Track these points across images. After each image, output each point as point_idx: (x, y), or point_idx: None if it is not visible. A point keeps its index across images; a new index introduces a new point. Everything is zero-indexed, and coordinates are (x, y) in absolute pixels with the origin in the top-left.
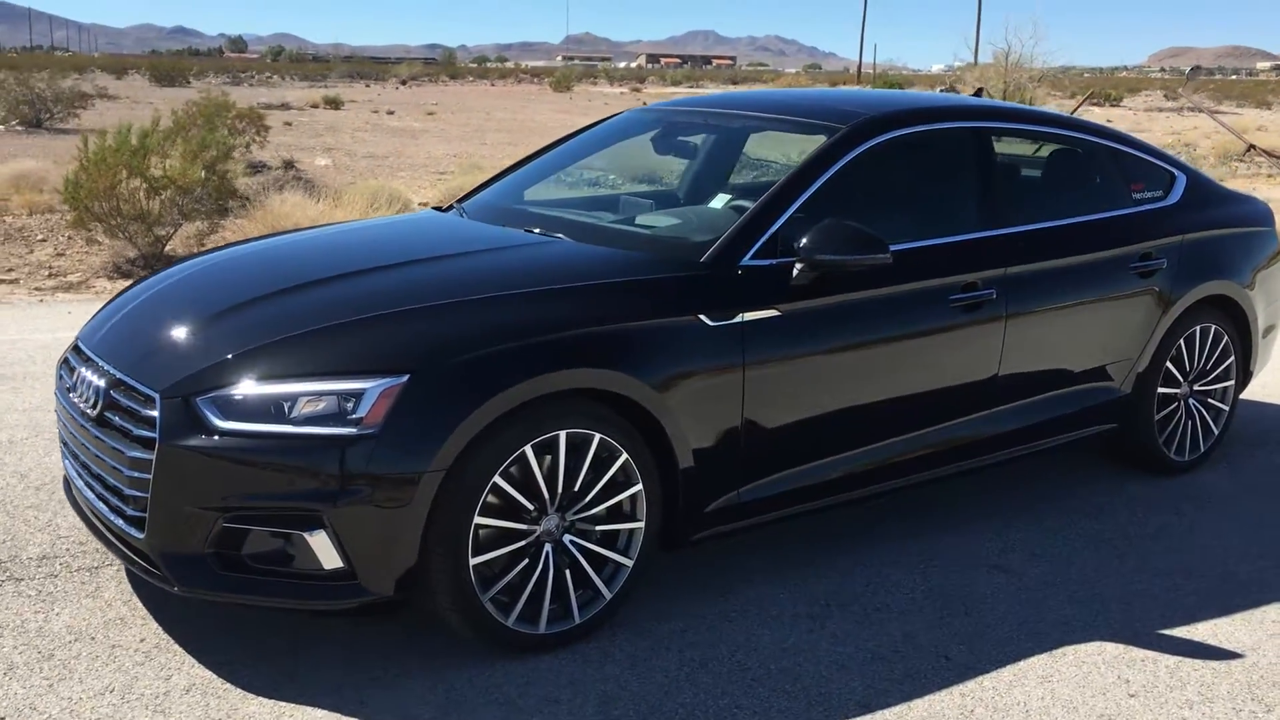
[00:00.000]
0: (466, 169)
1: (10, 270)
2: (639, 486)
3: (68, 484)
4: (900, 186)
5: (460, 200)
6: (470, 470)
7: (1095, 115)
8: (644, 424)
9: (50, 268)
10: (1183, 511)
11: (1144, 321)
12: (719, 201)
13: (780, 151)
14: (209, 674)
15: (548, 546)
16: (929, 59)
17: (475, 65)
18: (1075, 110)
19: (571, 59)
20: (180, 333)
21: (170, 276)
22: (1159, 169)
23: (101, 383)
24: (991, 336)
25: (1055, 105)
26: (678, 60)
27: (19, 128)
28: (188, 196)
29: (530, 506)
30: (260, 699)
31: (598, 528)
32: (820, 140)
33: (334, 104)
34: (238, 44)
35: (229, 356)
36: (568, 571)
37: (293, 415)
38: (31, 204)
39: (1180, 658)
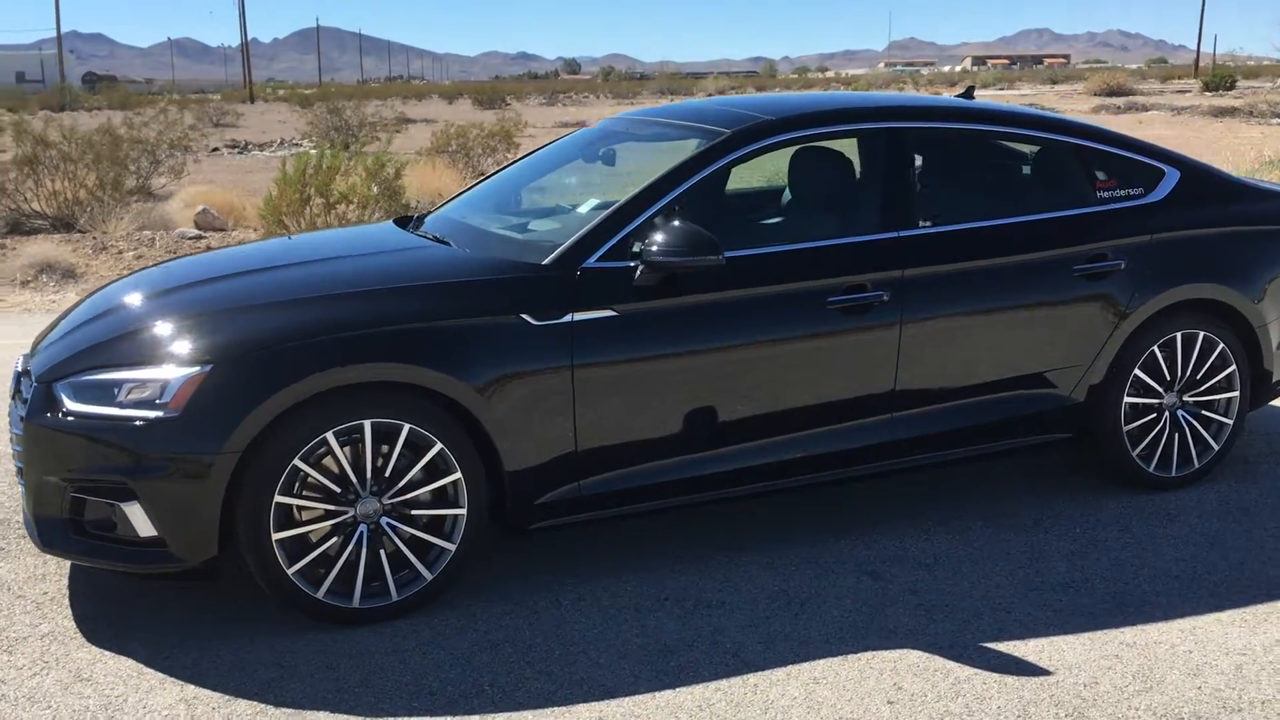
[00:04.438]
0: None
1: None
2: (457, 475)
3: None
4: (784, 190)
5: (431, 211)
6: (267, 453)
7: None
8: (464, 416)
9: None
10: (1129, 528)
11: (1093, 326)
12: (586, 206)
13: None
14: (70, 624)
15: (363, 527)
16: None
17: (795, 76)
18: None
19: (894, 65)
20: (69, 330)
21: (107, 285)
22: (1140, 165)
23: (18, 369)
24: (884, 340)
25: None
26: (1006, 61)
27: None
28: (364, 210)
29: (336, 489)
30: (91, 647)
31: (423, 512)
32: (695, 144)
33: None
34: (572, 66)
35: (83, 349)
36: (382, 552)
37: (119, 399)
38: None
39: (979, 670)
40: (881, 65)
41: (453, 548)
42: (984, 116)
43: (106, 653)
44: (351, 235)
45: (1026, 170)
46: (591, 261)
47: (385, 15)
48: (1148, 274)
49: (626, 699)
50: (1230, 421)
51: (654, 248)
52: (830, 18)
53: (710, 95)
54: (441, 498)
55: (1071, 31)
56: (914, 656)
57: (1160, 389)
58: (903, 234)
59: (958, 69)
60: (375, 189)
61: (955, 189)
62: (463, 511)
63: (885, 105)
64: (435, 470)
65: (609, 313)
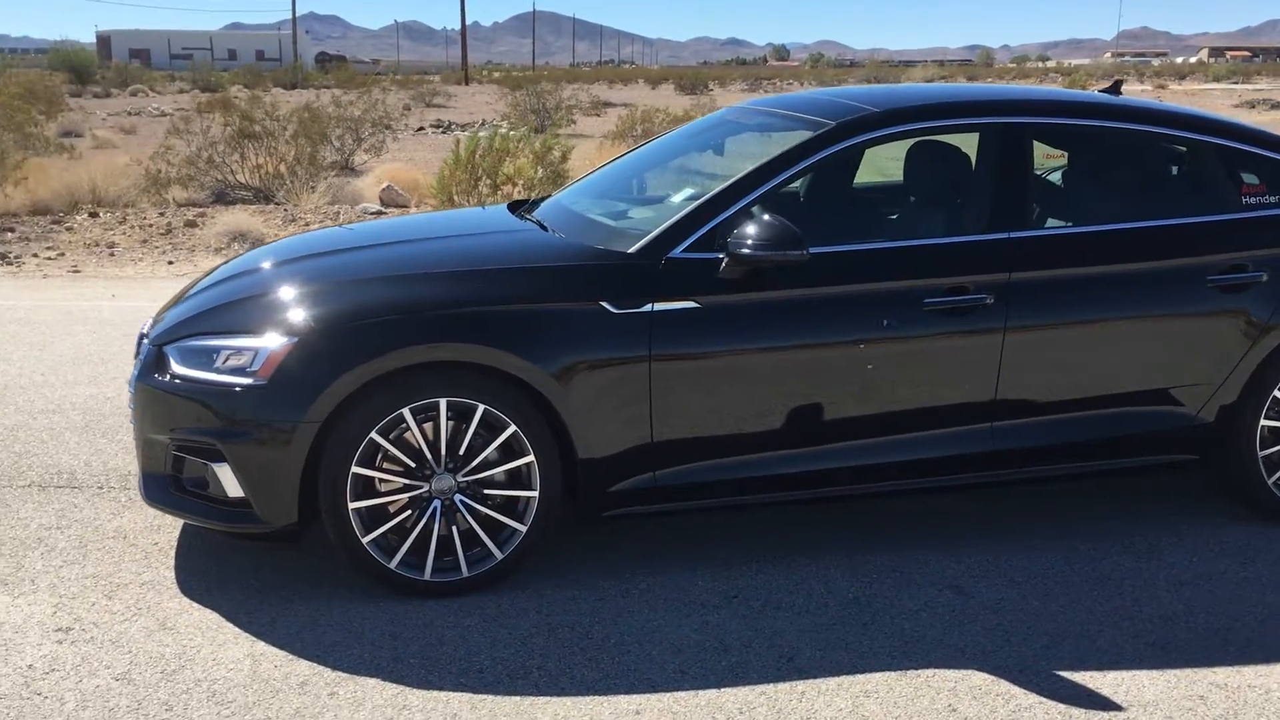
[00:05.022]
0: None
1: None
2: (530, 458)
3: None
4: (889, 184)
5: (549, 195)
6: (346, 425)
7: None
8: (540, 399)
9: None
10: (1252, 561)
11: (1226, 341)
12: (680, 195)
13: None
14: (170, 575)
15: (436, 502)
16: None
17: (1013, 65)
18: None
19: (1121, 55)
20: (189, 296)
21: (241, 254)
22: None
23: (143, 331)
24: (985, 346)
25: None
26: (1246, 54)
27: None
28: (529, 192)
29: (411, 464)
30: (182, 598)
31: (496, 492)
32: (802, 136)
33: None
34: (780, 52)
35: (193, 315)
36: (455, 528)
37: (217, 365)
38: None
39: (1044, 700)
40: (1108, 56)
41: (524, 529)
42: (1116, 113)
43: (195, 604)
44: (463, 216)
45: (1161, 172)
46: (678, 252)
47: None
48: None
49: (668, 695)
50: None
51: (737, 240)
52: (1056, 4)
53: (919, 83)
54: (515, 479)
55: None
56: (978, 678)
57: None
58: (1013, 235)
59: (1192, 60)
60: (540, 171)
61: (1077, 189)
62: (535, 494)
63: (1005, 99)
64: (510, 451)
65: (691, 304)
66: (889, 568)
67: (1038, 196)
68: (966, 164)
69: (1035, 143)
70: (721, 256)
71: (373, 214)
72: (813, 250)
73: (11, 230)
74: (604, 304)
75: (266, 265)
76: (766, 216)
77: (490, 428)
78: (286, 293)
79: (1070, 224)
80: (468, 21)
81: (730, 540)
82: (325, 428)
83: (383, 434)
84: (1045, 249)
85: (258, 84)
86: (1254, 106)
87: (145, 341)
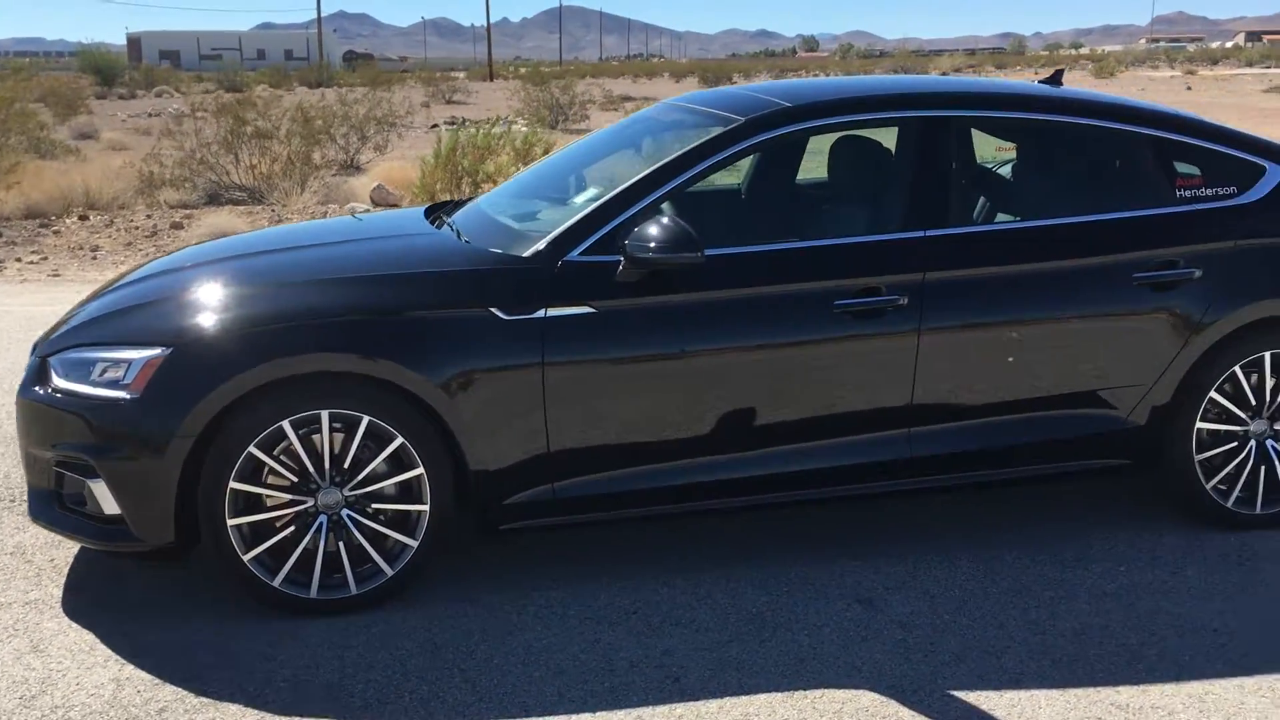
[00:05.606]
0: None
1: None
2: (419, 470)
3: None
4: (798, 182)
5: (472, 197)
6: (223, 439)
7: None
8: (429, 410)
9: None
10: (1182, 571)
11: (1156, 341)
12: (583, 197)
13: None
14: (57, 594)
15: (323, 518)
16: None
17: (1046, 53)
18: None
19: (1156, 41)
20: (81, 305)
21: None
22: (1236, 162)
23: (35, 341)
24: (899, 349)
25: None
26: None
27: (539, 128)
28: None
29: (294, 478)
30: (63, 618)
31: (386, 506)
32: (711, 132)
33: None
34: (810, 43)
35: (76, 325)
36: (342, 545)
37: (93, 377)
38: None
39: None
40: (1142, 42)
41: (415, 544)
42: (1044, 104)
43: (74, 625)
44: (378, 220)
45: (1088, 166)
46: (574, 255)
47: None
48: (1229, 285)
49: (538, 719)
50: None
51: (633, 242)
52: None
53: (945, 74)
54: (405, 493)
55: None
56: (867, 699)
57: (1244, 415)
58: (928, 233)
59: (1228, 45)
60: (521, 168)
61: (999, 185)
62: (426, 508)
63: (926, 92)
64: (399, 464)
65: (586, 309)
66: (802, 580)
67: (960, 193)
68: (886, 160)
69: (983, 136)
70: (619, 259)
71: (362, 213)
72: (711, 252)
73: None
74: (494, 310)
75: (153, 274)
76: (664, 218)
77: (377, 439)
78: (167, 301)
79: (993, 221)
80: (496, 18)
81: (642, 552)
82: (200, 442)
83: (262, 448)
84: (962, 247)
85: (283, 83)
86: None
87: (32, 353)
